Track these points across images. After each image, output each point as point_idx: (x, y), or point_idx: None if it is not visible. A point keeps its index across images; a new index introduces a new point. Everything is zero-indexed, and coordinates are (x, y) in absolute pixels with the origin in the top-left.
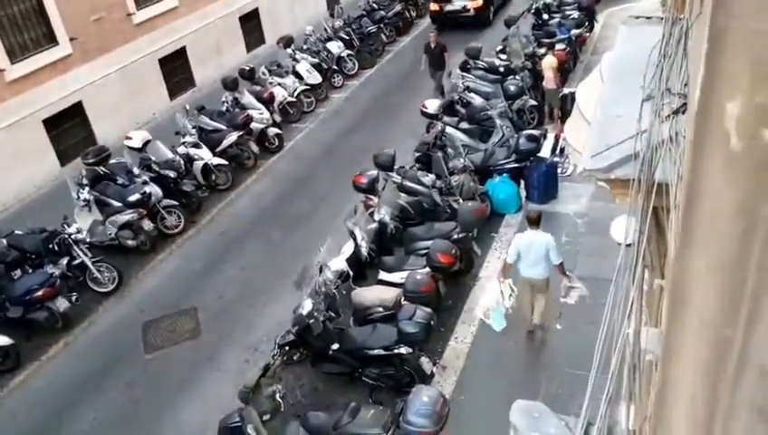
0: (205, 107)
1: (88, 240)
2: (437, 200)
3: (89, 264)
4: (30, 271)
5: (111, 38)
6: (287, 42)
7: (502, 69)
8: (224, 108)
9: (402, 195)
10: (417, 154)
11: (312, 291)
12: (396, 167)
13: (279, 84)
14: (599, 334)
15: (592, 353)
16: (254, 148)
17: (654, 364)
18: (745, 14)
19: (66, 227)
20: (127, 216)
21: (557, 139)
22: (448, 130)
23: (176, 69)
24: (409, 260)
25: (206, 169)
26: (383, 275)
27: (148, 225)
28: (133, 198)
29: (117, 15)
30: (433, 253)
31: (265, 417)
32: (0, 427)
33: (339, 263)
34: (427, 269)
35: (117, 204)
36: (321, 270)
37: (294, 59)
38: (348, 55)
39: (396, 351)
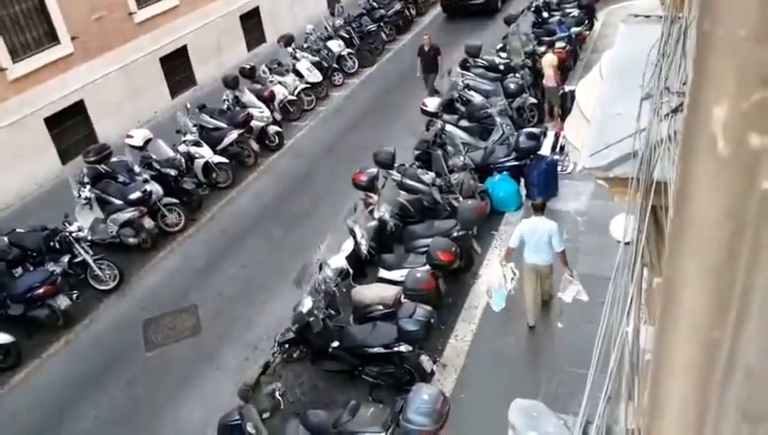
0: (205, 105)
1: (89, 238)
2: (437, 198)
3: (90, 262)
4: (31, 269)
5: (112, 37)
6: (288, 40)
7: (502, 67)
8: (224, 106)
9: (402, 193)
10: (417, 152)
11: (312, 289)
12: (396, 165)
13: (279, 83)
14: (597, 333)
15: (592, 352)
16: (255, 146)
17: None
18: (731, 20)
19: (67, 224)
20: (128, 214)
21: (557, 136)
22: (448, 127)
23: (177, 67)
24: (409, 258)
25: (207, 167)
26: (383, 273)
27: (148, 223)
28: (134, 196)
29: (118, 14)
30: (433, 251)
31: (265, 415)
32: (1, 425)
33: (339, 261)
34: (427, 267)
35: (118, 202)
36: (321, 268)
37: (295, 57)
38: (348, 54)
39: (396, 349)
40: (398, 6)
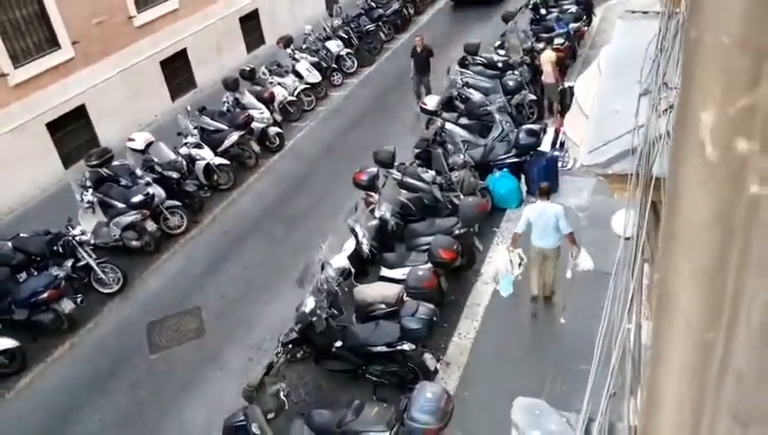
0: (206, 108)
1: (92, 242)
2: (438, 196)
3: (93, 265)
4: (35, 273)
5: (113, 41)
6: (287, 41)
7: (500, 64)
8: (225, 108)
9: (403, 191)
10: (417, 150)
11: (315, 289)
12: (396, 163)
13: (279, 84)
14: (599, 329)
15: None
16: (256, 147)
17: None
18: (716, 28)
19: (70, 229)
20: (130, 217)
21: (557, 133)
22: (448, 126)
23: (177, 70)
24: (411, 256)
25: (208, 169)
26: (385, 272)
27: (151, 226)
28: (136, 199)
29: (118, 18)
30: (434, 249)
31: (270, 415)
32: (7, 428)
33: (340, 260)
34: (429, 265)
35: (120, 205)
36: (322, 268)
37: (294, 58)
38: (347, 54)
39: (399, 347)
40: (396, 6)
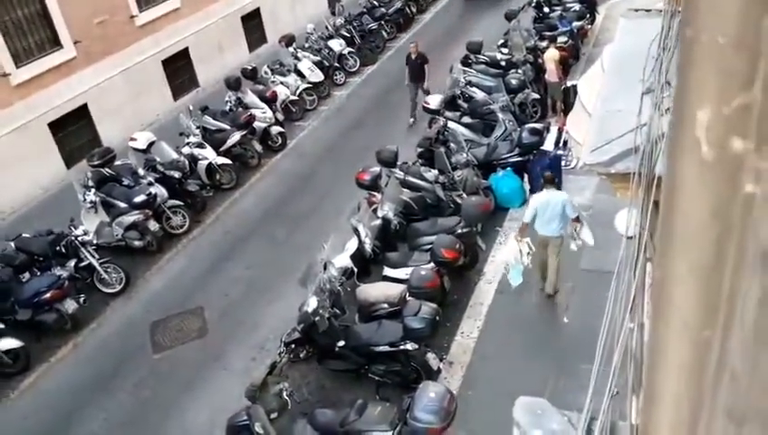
0: (208, 107)
1: (95, 242)
2: (441, 196)
3: (96, 265)
4: (38, 273)
5: (115, 40)
6: (289, 40)
7: (503, 63)
8: (227, 107)
9: (405, 191)
10: (420, 150)
11: (317, 288)
12: (399, 163)
13: (281, 83)
14: (601, 328)
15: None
16: (258, 147)
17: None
18: (711, 28)
19: (73, 229)
20: (133, 217)
21: (560, 132)
22: (451, 125)
23: (179, 70)
24: (413, 256)
25: (211, 168)
26: (387, 272)
27: (153, 225)
28: (139, 199)
29: (120, 18)
30: (437, 248)
31: (273, 415)
32: (12, 428)
33: (343, 260)
34: (432, 265)
35: (123, 205)
36: (325, 267)
37: (296, 57)
38: (349, 53)
39: (402, 347)
40: (398, 4)
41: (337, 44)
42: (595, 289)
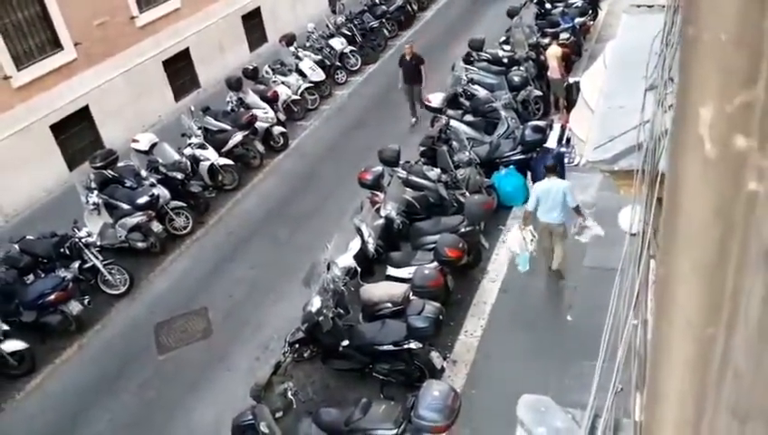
0: (209, 108)
1: (98, 243)
2: (443, 194)
3: (100, 267)
4: (42, 275)
5: (115, 42)
6: (289, 40)
7: (506, 60)
8: (228, 108)
9: (408, 190)
10: (422, 148)
11: (321, 288)
12: (401, 162)
13: (282, 83)
14: (605, 325)
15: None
16: (260, 147)
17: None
18: (713, 25)
19: (76, 230)
20: (136, 218)
21: (563, 129)
22: (453, 123)
23: (180, 70)
24: (417, 255)
25: (213, 169)
26: (391, 271)
27: (157, 227)
28: (142, 200)
29: (120, 19)
30: (440, 247)
31: (278, 414)
32: (18, 429)
33: (346, 260)
34: (435, 264)
35: (126, 207)
36: (328, 267)
37: (297, 57)
38: (350, 51)
39: (406, 346)
40: (399, 2)
41: (338, 43)
42: (599, 287)
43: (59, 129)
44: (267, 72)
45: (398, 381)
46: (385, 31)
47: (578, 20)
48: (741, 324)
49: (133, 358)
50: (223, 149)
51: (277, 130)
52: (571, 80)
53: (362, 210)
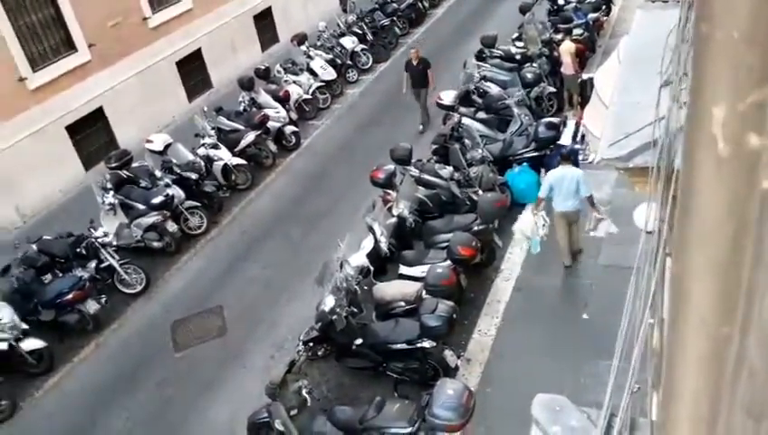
0: (222, 108)
1: (114, 243)
2: (456, 193)
3: (116, 266)
4: (60, 275)
5: (128, 43)
6: (301, 39)
7: (518, 57)
8: (241, 108)
9: (420, 188)
10: (435, 147)
11: (334, 287)
12: (413, 160)
13: (294, 82)
14: (621, 324)
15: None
16: (272, 147)
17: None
18: (726, 23)
19: (93, 230)
20: (151, 218)
21: (577, 125)
22: (465, 120)
23: (192, 71)
24: (430, 254)
25: (226, 169)
26: (404, 270)
27: (172, 226)
28: (157, 200)
29: (133, 20)
30: (453, 245)
31: (293, 412)
32: (37, 427)
33: (359, 258)
34: (448, 262)
35: (141, 207)
36: (341, 266)
37: (309, 56)
38: (362, 50)
39: (419, 345)
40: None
41: (349, 42)
42: (614, 285)
43: (74, 130)
44: (279, 72)
45: (411, 379)
46: (396, 29)
47: (591, 15)
48: (755, 323)
49: (150, 356)
50: (236, 149)
51: (289, 129)
52: (585, 76)
53: (375, 209)
